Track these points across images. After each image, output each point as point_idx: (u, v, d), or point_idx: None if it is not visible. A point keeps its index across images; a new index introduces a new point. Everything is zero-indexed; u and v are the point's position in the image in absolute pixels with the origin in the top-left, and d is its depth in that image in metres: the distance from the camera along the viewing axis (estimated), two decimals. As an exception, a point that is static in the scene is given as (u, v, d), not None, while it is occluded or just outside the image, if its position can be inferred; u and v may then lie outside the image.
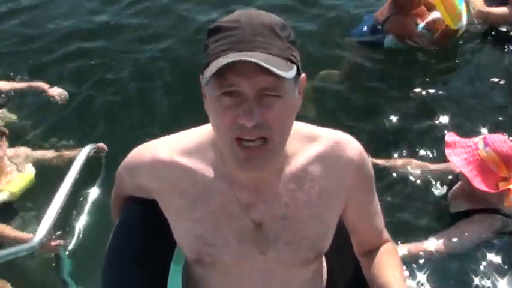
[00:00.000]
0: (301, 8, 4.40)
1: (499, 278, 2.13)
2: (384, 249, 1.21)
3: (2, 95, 3.47)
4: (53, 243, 2.43)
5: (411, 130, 3.10)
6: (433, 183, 2.59)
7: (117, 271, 1.20)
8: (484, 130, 2.98)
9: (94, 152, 2.85)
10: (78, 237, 2.67)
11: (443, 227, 2.29)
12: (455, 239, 2.18)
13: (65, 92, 3.50)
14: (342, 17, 4.21)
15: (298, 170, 1.05)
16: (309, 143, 1.07)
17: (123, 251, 1.22)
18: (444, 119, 3.13)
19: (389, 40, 3.53)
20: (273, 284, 1.13)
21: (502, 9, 3.57)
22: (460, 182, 2.29)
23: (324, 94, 3.43)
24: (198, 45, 3.99)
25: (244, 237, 1.06)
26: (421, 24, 3.46)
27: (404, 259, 2.20)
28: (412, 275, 2.17)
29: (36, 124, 3.38)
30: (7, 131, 2.81)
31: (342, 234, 1.19)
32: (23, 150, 2.94)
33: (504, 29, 3.59)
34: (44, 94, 3.48)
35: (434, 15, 3.41)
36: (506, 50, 3.57)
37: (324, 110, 3.25)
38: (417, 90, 3.38)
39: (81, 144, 2.95)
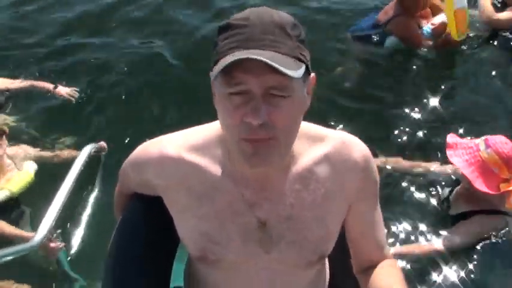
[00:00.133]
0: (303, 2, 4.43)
1: (499, 278, 2.13)
2: (384, 263, 1.15)
3: (5, 93, 3.44)
4: (52, 245, 2.42)
5: (411, 130, 3.09)
6: (435, 185, 2.59)
7: (119, 268, 1.20)
8: (485, 131, 2.98)
9: (94, 151, 2.85)
10: (79, 236, 2.67)
11: (444, 229, 2.29)
12: (455, 240, 2.19)
13: (72, 89, 3.50)
14: (342, 14, 4.22)
15: (304, 170, 1.05)
16: (316, 143, 1.06)
17: (125, 248, 1.21)
18: (445, 120, 3.13)
19: (390, 41, 3.53)
20: (278, 284, 1.12)
21: (508, 14, 3.55)
22: (461, 184, 2.29)
23: (323, 93, 3.42)
24: (199, 43, 4.03)
25: (249, 236, 1.06)
26: (426, 26, 3.46)
27: (404, 259, 2.21)
28: (412, 275, 2.17)
29: (36, 123, 3.36)
30: (7, 130, 2.80)
31: (345, 238, 1.17)
32: (23, 149, 2.93)
33: (507, 32, 3.59)
34: (49, 94, 3.47)
35: (441, 18, 3.41)
36: (508, 52, 3.57)
37: (323, 110, 3.24)
38: (417, 90, 3.38)
39: (81, 143, 2.96)
